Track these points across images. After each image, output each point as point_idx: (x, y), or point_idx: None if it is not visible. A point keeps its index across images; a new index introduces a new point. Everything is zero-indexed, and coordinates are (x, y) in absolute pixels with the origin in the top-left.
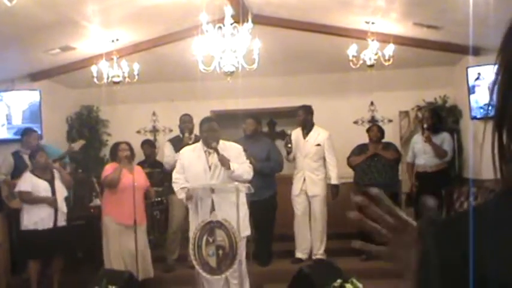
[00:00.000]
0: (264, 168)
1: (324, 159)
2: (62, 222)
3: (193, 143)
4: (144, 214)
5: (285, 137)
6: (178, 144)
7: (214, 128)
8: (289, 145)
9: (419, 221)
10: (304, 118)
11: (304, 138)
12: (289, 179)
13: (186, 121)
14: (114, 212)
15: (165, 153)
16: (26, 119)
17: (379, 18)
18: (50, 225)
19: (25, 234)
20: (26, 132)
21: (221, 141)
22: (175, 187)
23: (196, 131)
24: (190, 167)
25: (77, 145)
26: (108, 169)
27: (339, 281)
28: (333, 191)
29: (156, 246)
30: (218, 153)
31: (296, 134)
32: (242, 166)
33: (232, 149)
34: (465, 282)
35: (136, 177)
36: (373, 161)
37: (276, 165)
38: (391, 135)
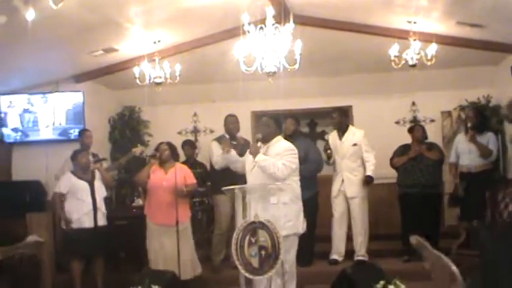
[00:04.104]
0: (302, 169)
1: (362, 158)
2: (102, 222)
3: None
4: (183, 214)
5: (325, 137)
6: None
7: (265, 122)
8: (329, 151)
9: (481, 231)
10: (339, 120)
11: (340, 139)
12: (329, 179)
13: (233, 122)
14: (149, 212)
15: (214, 152)
16: (70, 120)
17: (421, 17)
18: (91, 224)
19: (66, 233)
20: (80, 133)
21: (276, 139)
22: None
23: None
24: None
25: (138, 150)
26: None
27: (381, 282)
28: (366, 179)
29: (198, 246)
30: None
31: (332, 137)
32: (271, 160)
33: (279, 146)
34: None
35: (170, 177)
36: (417, 161)
37: (316, 166)
38: (433, 135)
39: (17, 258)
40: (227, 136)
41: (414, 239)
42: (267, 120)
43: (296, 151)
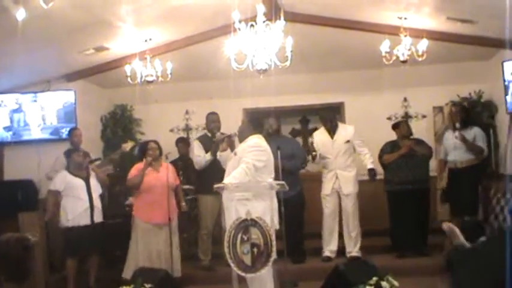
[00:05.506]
0: (289, 165)
1: (353, 155)
2: (98, 219)
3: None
4: (173, 213)
5: (310, 140)
6: (206, 142)
7: (242, 122)
8: (314, 153)
9: (447, 251)
10: (331, 120)
11: (332, 138)
12: (315, 176)
13: (214, 120)
14: (140, 211)
15: (195, 152)
16: (61, 119)
17: (411, 13)
18: (87, 222)
19: (63, 231)
20: (70, 132)
21: (250, 138)
22: None
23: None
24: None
25: (128, 146)
26: (135, 169)
27: (374, 278)
28: (370, 173)
29: (191, 244)
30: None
31: (320, 136)
32: (235, 174)
33: (246, 143)
34: None
35: (162, 176)
36: (408, 157)
37: (302, 162)
38: (425, 131)
39: (4, 240)
40: (209, 135)
41: (446, 226)
42: (245, 119)
43: (262, 148)
